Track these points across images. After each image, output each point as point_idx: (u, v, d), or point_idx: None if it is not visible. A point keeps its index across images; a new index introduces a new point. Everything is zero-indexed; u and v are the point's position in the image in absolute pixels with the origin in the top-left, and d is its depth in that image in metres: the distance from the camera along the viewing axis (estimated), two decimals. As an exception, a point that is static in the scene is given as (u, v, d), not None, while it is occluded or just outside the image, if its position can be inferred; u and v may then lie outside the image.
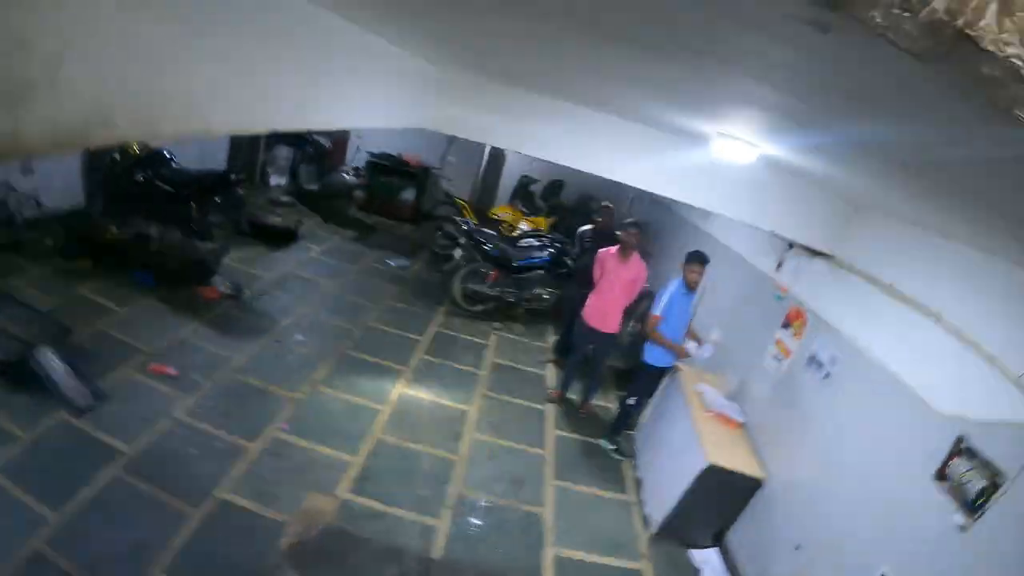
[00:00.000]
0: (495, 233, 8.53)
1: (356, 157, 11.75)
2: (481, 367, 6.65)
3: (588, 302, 5.89)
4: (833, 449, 3.85)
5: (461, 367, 6.53)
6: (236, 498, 3.90)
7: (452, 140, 11.99)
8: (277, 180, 10.88)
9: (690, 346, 5.38)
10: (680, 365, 5.51)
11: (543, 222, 10.45)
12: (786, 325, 4.89)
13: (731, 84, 1.79)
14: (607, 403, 6.60)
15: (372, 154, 11.13)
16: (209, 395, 4.81)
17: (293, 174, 10.93)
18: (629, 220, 6.20)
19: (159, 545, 3.38)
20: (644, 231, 6.52)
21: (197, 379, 4.93)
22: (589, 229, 7.10)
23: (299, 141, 10.84)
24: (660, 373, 5.54)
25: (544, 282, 7.84)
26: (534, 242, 8.21)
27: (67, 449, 3.87)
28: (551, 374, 6.91)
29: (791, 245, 5.01)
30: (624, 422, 5.78)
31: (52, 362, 4.20)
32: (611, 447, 5.73)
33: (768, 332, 5.08)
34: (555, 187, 12.83)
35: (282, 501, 3.97)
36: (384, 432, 5.03)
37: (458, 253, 7.84)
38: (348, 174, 10.87)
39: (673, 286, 5.29)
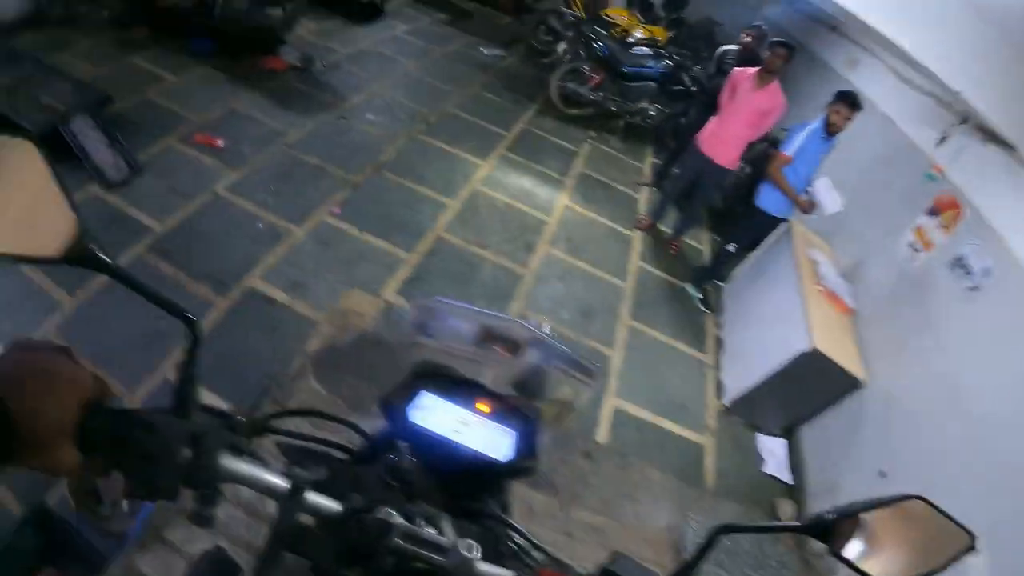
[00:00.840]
0: (605, 33, 7.28)
1: None
2: (567, 174, 5.85)
3: (707, 127, 4.88)
4: (959, 375, 3.08)
5: (545, 170, 5.76)
6: (268, 288, 3.44)
7: None
8: None
9: (822, 195, 4.39)
10: (796, 220, 4.59)
11: (661, 32, 8.96)
12: (933, 213, 3.91)
13: None
14: (698, 243, 5.77)
15: None
16: (257, 170, 4.27)
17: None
18: (777, 40, 4.99)
19: (172, 337, 2.94)
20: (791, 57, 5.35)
21: (245, 152, 4.38)
22: (734, 49, 5.77)
23: None
24: (772, 223, 4.62)
25: (653, 97, 6.70)
26: (648, 51, 6.94)
27: (93, 226, 3.34)
28: (643, 199, 6.05)
29: (964, 120, 3.85)
30: (717, 271, 4.99)
31: (87, 132, 3.70)
32: (697, 295, 4.99)
33: (907, 214, 4.09)
34: (680, 0, 11.05)
35: (319, 296, 3.48)
36: (448, 231, 4.44)
37: (561, 47, 6.76)
38: None
39: (811, 126, 4.25)
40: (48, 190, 0.67)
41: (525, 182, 5.44)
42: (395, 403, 0.90)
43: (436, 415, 0.91)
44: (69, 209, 0.67)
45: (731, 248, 4.82)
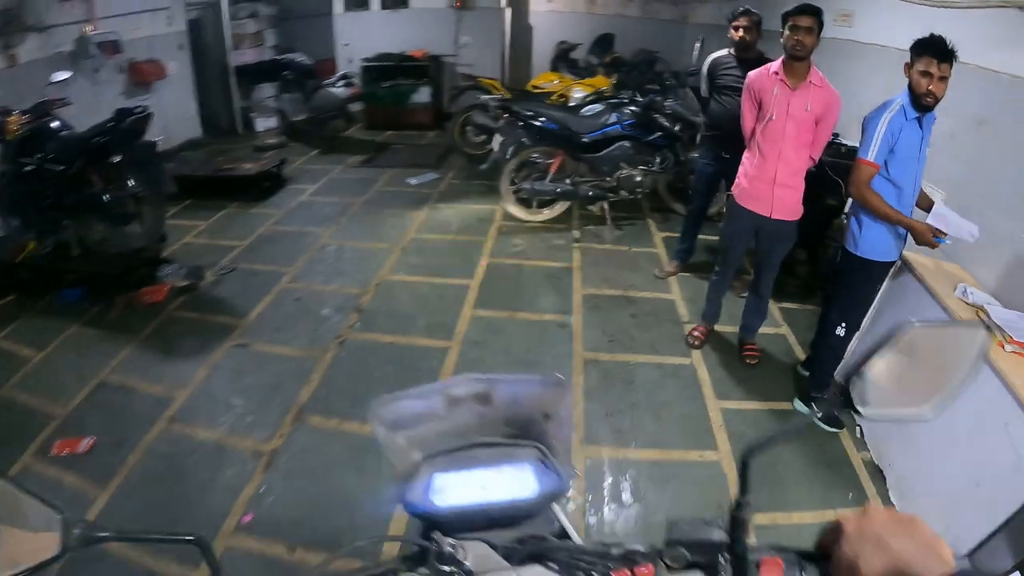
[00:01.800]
0: (543, 105, 5.86)
1: (349, 68, 9.50)
2: (570, 308, 4.14)
3: (742, 171, 3.34)
4: None
5: (538, 315, 4.07)
6: None
7: (461, 17, 9.42)
8: (265, 124, 8.74)
9: (948, 217, 2.75)
10: (912, 255, 3.06)
11: (604, 81, 7.61)
12: None
13: None
14: (779, 332, 4.03)
15: (367, 59, 8.91)
16: (131, 483, 2.71)
17: (283, 112, 8.88)
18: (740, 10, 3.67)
19: None
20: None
21: (117, 452, 2.85)
22: (725, 55, 4.18)
23: (277, 71, 8.86)
24: (881, 272, 3.01)
25: (631, 158, 5.16)
26: (601, 106, 5.47)
27: None
28: (680, 298, 4.37)
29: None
30: (829, 367, 3.23)
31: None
32: (815, 413, 3.14)
33: None
34: (605, 41, 9.86)
35: None
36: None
37: (497, 141, 5.24)
38: (337, 86, 8.70)
39: (892, 108, 2.69)
40: (20, 501, 0.70)
41: (516, 345, 3.76)
42: (415, 499, 0.90)
43: (457, 489, 0.90)
44: (45, 506, 0.71)
45: (840, 331, 3.09)
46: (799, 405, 3.33)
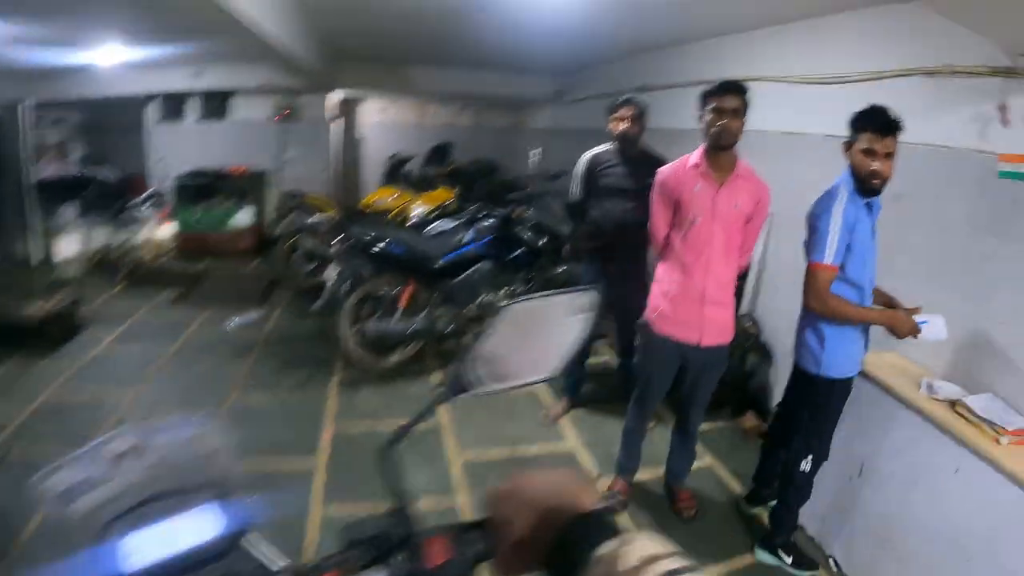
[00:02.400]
0: (383, 225, 5.19)
1: (164, 185, 8.34)
2: (450, 487, 3.27)
3: (657, 289, 2.84)
4: None
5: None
6: None
7: (285, 130, 8.89)
8: (65, 250, 7.13)
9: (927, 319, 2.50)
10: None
11: (447, 193, 7.14)
12: None
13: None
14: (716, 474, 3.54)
15: (180, 176, 7.86)
16: None
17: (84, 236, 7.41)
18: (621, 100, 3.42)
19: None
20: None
21: None
22: (605, 150, 3.67)
23: (81, 187, 7.75)
24: (843, 391, 2.63)
25: (493, 281, 4.60)
26: (451, 223, 4.91)
27: None
28: (576, 440, 3.74)
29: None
30: (795, 506, 2.78)
31: None
32: (785, 559, 2.78)
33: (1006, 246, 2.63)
34: (442, 151, 9.61)
35: None
36: None
37: (331, 273, 4.41)
38: (144, 207, 7.60)
39: (842, 198, 2.37)
40: None
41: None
42: (103, 570, 0.84)
43: (142, 548, 0.84)
44: None
45: (805, 466, 2.67)
46: (763, 555, 2.82)
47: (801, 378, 2.63)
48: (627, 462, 3.16)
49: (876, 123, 2.26)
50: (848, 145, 2.36)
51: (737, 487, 3.33)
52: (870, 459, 2.83)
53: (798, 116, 3.79)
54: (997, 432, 2.34)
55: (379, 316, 4.32)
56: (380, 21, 5.05)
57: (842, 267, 2.38)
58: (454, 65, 7.96)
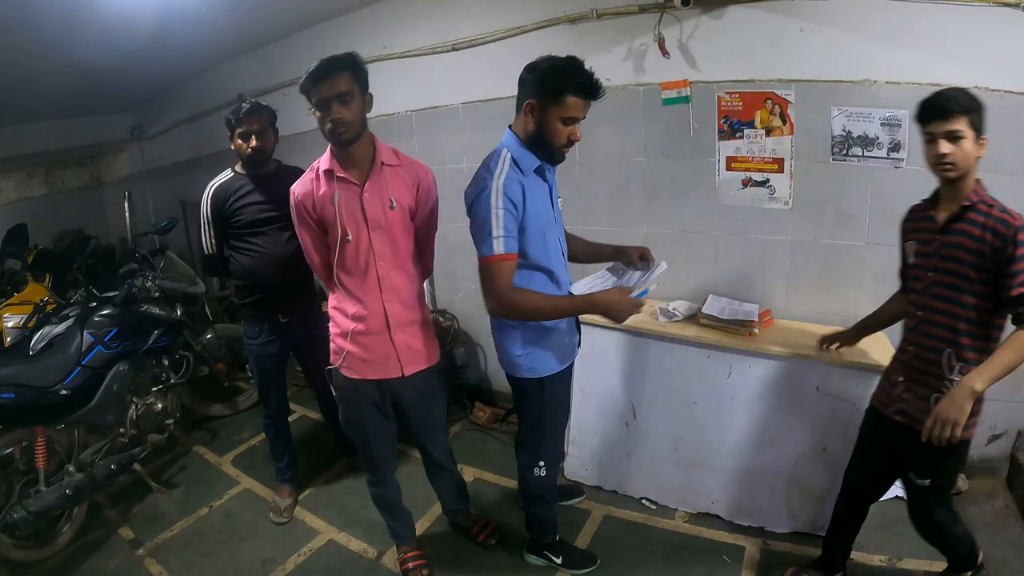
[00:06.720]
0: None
1: None
2: None
3: (334, 329, 2.30)
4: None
5: None
6: None
7: None
8: None
9: (633, 278, 2.27)
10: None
11: (40, 291, 5.44)
12: (735, 129, 2.85)
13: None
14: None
15: None
16: None
17: None
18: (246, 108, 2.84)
19: None
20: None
21: None
22: (231, 177, 2.88)
23: None
24: (567, 379, 2.43)
25: (137, 381, 3.49)
26: (59, 329, 3.55)
27: None
28: (324, 525, 3.08)
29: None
30: (545, 511, 2.56)
31: None
32: (554, 560, 2.61)
33: (693, 170, 3.04)
34: (17, 237, 7.33)
35: None
36: None
37: None
38: None
39: (502, 169, 2.00)
40: None
41: None
42: None
43: None
44: None
45: (540, 471, 2.43)
46: (532, 559, 2.66)
47: (512, 383, 2.33)
48: (398, 526, 2.68)
49: (585, 87, 1.93)
50: (532, 108, 1.97)
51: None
52: (640, 400, 2.88)
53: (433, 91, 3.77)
54: (748, 328, 2.65)
55: (18, 494, 2.90)
56: None
57: (522, 253, 2.04)
58: (10, 123, 6.09)
